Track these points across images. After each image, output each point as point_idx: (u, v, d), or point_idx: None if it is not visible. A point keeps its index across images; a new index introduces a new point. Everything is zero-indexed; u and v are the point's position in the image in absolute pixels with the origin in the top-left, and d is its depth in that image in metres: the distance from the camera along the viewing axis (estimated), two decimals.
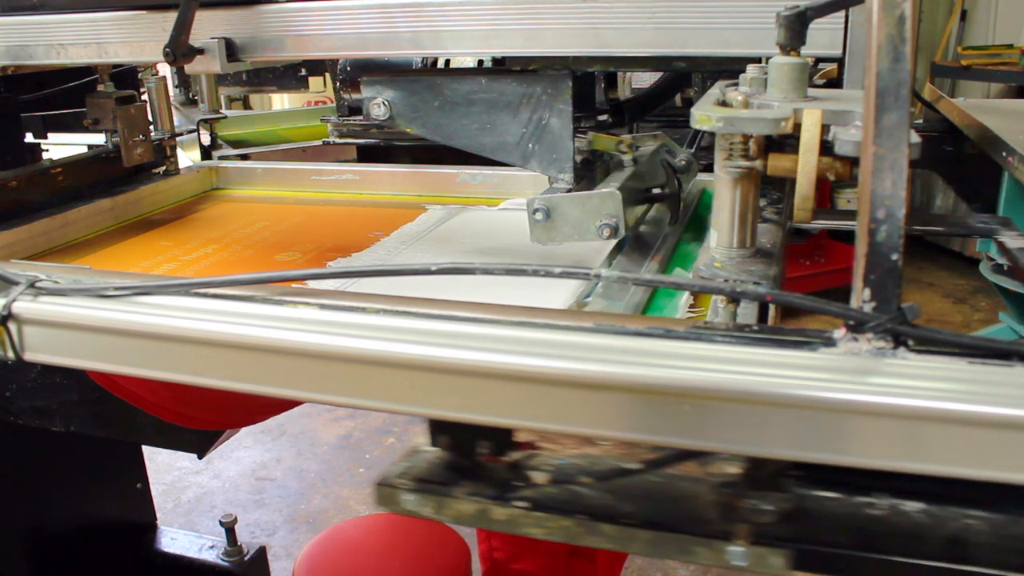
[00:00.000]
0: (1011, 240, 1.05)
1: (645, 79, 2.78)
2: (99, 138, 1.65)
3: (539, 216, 1.05)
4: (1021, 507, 0.65)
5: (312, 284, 0.97)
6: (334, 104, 2.93)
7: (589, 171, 1.14)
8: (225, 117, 3.13)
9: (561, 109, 1.07)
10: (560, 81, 1.06)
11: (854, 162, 0.67)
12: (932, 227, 1.16)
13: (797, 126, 0.70)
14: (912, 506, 0.67)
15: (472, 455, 0.78)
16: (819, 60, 1.02)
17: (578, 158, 1.12)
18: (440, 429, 0.79)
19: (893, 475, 0.62)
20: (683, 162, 1.21)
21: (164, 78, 1.77)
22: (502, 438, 0.78)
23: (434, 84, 1.10)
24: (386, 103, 1.12)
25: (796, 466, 0.69)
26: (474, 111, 1.10)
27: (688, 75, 1.44)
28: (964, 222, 1.19)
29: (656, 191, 1.15)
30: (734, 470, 0.73)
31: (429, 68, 1.32)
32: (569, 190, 1.09)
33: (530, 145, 1.09)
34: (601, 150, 1.20)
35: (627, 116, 1.37)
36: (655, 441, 0.67)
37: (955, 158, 1.36)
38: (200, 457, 1.17)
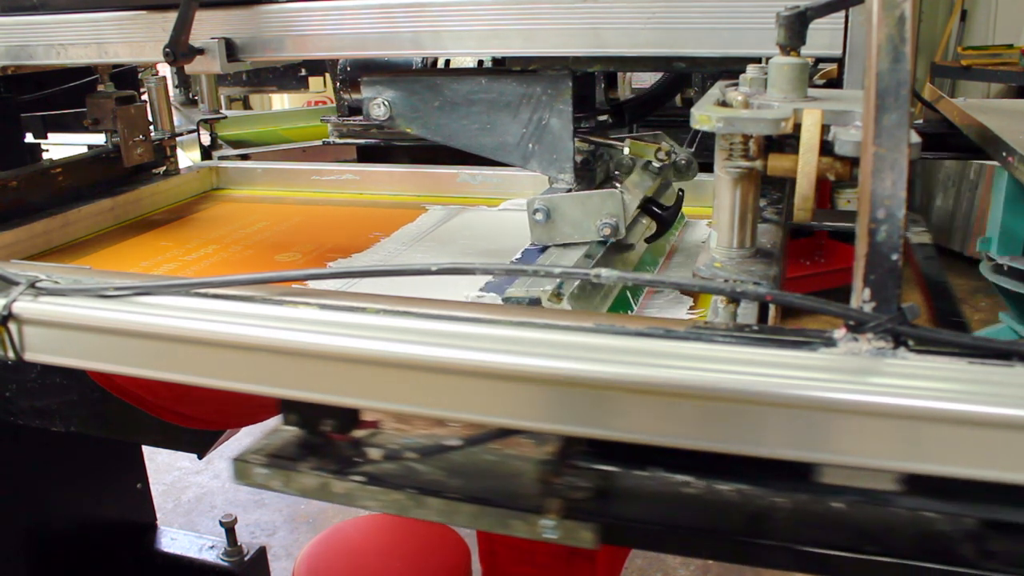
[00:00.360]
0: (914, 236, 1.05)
1: (645, 79, 2.78)
2: (99, 138, 1.65)
3: (539, 216, 1.05)
4: (821, 489, 0.70)
5: (312, 284, 0.97)
6: (334, 104, 2.93)
7: (589, 171, 1.14)
8: (225, 117, 3.14)
9: (561, 109, 1.07)
10: (560, 81, 1.06)
11: (854, 162, 0.67)
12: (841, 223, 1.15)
13: (797, 126, 0.70)
14: (726, 486, 0.72)
15: (317, 432, 0.85)
16: (819, 60, 1.02)
17: (578, 158, 1.12)
18: (290, 408, 0.85)
19: (709, 457, 0.66)
20: (683, 161, 1.21)
21: (164, 78, 1.78)
22: (346, 416, 0.84)
23: (434, 84, 1.10)
24: (386, 103, 1.12)
25: (608, 447, 0.73)
26: (474, 111, 1.10)
27: (688, 75, 1.44)
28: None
29: (656, 208, 1.15)
30: (552, 448, 0.78)
31: (429, 68, 1.32)
32: (569, 190, 1.09)
33: (530, 145, 1.09)
34: (601, 151, 1.20)
35: (627, 116, 1.36)
36: (657, 442, 0.67)
37: None
38: (200, 457, 1.17)
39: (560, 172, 1.09)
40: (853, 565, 0.66)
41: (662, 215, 1.15)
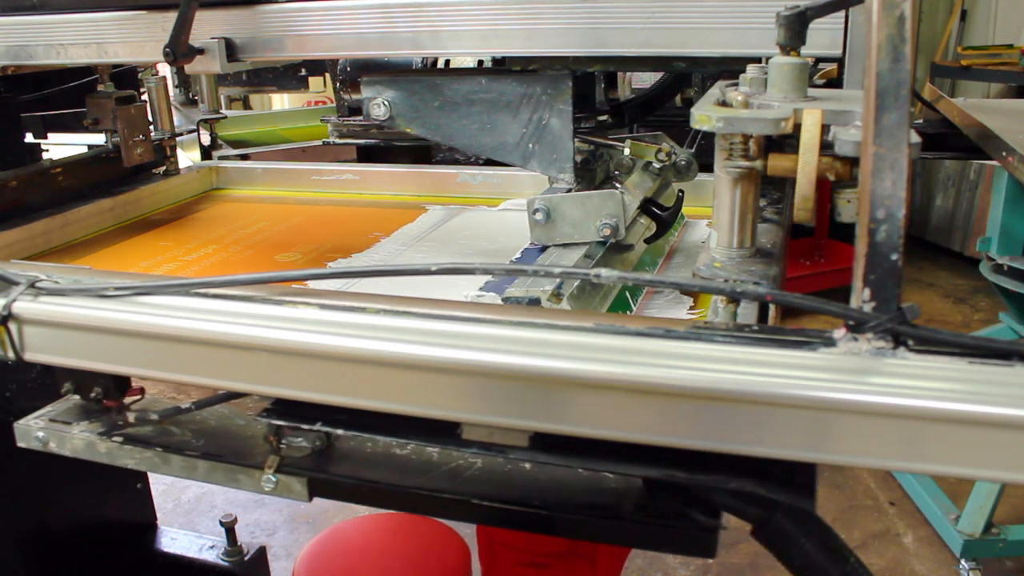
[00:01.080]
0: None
1: (645, 79, 2.79)
2: (99, 138, 1.64)
3: (539, 216, 1.05)
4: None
5: (312, 284, 0.97)
6: (334, 104, 2.93)
7: (589, 171, 1.14)
8: (225, 117, 3.14)
9: (561, 109, 1.07)
10: (560, 81, 1.06)
11: (854, 162, 0.67)
12: None
13: (797, 126, 0.70)
14: (433, 450, 0.87)
15: (89, 398, 0.97)
16: (819, 60, 1.02)
17: (578, 158, 1.12)
18: (64, 376, 0.96)
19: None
20: (683, 162, 1.21)
21: (164, 78, 1.77)
22: (116, 384, 0.97)
23: (434, 84, 1.10)
24: (386, 103, 1.12)
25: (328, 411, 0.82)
26: (474, 111, 1.10)
27: (688, 75, 1.44)
28: None
29: (657, 207, 1.15)
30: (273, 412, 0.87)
31: (429, 68, 1.32)
32: (569, 190, 1.09)
33: (530, 145, 1.09)
34: (601, 151, 1.20)
35: (627, 116, 1.36)
36: (656, 442, 0.67)
37: None
38: None
39: (560, 172, 1.09)
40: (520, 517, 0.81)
41: (662, 216, 1.16)
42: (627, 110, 1.36)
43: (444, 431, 0.79)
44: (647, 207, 1.15)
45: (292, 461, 0.87)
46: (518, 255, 1.17)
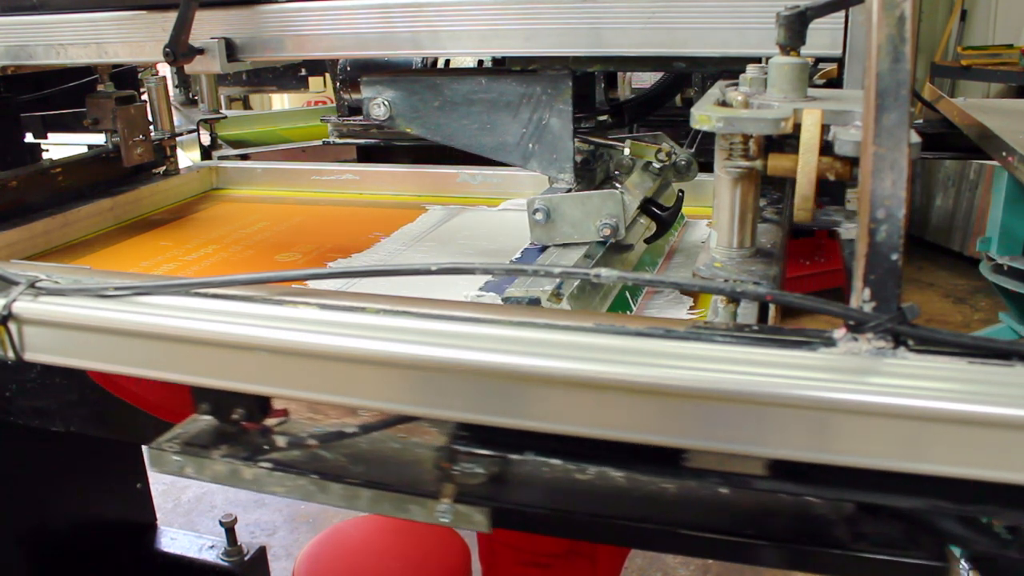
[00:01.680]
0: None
1: (645, 79, 2.79)
2: (99, 138, 1.64)
3: (539, 216, 1.05)
4: (711, 477, 0.72)
5: (312, 284, 0.97)
6: (334, 104, 2.93)
7: (589, 171, 1.14)
8: (225, 117, 3.14)
9: (561, 109, 1.07)
10: (560, 81, 1.06)
11: (854, 162, 0.67)
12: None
13: (797, 126, 0.70)
14: (619, 473, 0.75)
15: (228, 421, 0.87)
16: (819, 60, 1.02)
17: (578, 158, 1.12)
18: (202, 397, 0.87)
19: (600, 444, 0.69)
20: (683, 162, 1.21)
21: (164, 78, 1.77)
22: (257, 405, 0.86)
23: (434, 84, 1.10)
24: (386, 103, 1.12)
25: (501, 433, 0.75)
26: (474, 111, 1.10)
27: (688, 75, 1.44)
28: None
29: (657, 207, 1.15)
30: (446, 436, 0.81)
31: (429, 68, 1.32)
32: (569, 190, 1.09)
33: (530, 145, 1.09)
34: (601, 151, 1.20)
35: (627, 116, 1.36)
36: (655, 441, 0.67)
37: None
38: None
39: (560, 172, 1.09)
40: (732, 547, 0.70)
41: (662, 216, 1.16)
42: (627, 110, 1.36)
43: (661, 457, 0.72)
44: (647, 207, 1.15)
45: (468, 489, 0.76)
46: (518, 255, 1.17)
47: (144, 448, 0.87)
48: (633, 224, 1.12)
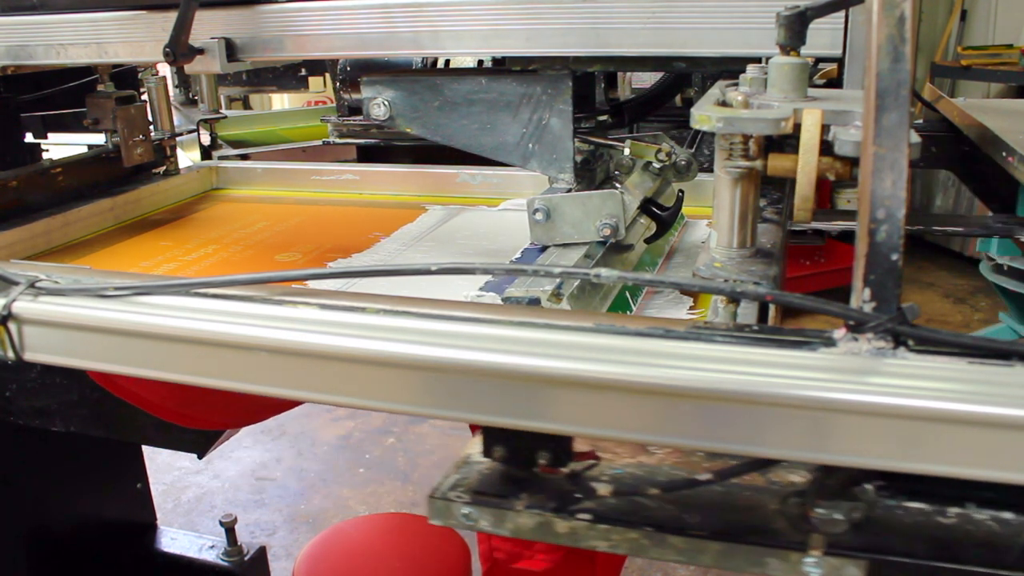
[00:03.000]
0: None
1: (645, 79, 2.79)
2: (99, 138, 1.64)
3: (539, 216, 1.05)
4: None
5: (312, 284, 0.97)
6: (334, 104, 2.93)
7: (589, 171, 1.14)
8: (225, 117, 3.14)
9: (561, 109, 1.07)
10: (560, 81, 1.06)
11: (854, 162, 0.67)
12: (951, 227, 1.15)
13: (797, 126, 0.70)
14: (983, 515, 0.66)
15: (530, 465, 0.76)
16: (819, 60, 1.02)
17: (578, 158, 1.12)
18: (496, 439, 0.76)
19: (963, 483, 0.61)
20: (683, 162, 1.21)
21: (164, 78, 1.77)
22: (560, 448, 0.75)
23: (434, 84, 1.10)
24: (386, 103, 1.12)
25: (866, 475, 0.68)
26: (474, 111, 1.10)
27: (688, 75, 1.44)
28: (984, 223, 1.18)
29: (657, 207, 1.15)
30: (798, 479, 0.72)
31: (429, 68, 1.32)
32: (569, 190, 1.09)
33: (530, 145, 1.09)
34: (601, 151, 1.20)
35: (627, 117, 1.36)
36: (654, 441, 0.67)
37: (972, 158, 1.35)
38: (200, 457, 1.17)
39: (560, 172, 1.09)
40: None
41: (662, 216, 1.16)
42: (627, 110, 1.36)
43: None
44: (647, 207, 1.15)
45: (834, 539, 0.67)
46: (518, 255, 1.17)
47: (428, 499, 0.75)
48: (633, 224, 1.12)
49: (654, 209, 1.15)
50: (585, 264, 1.02)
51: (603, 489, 0.74)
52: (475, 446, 0.79)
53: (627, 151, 1.20)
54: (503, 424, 0.73)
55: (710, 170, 0.84)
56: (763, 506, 0.71)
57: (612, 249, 1.08)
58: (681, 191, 1.21)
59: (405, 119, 1.12)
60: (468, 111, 1.10)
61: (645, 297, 1.07)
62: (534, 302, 0.88)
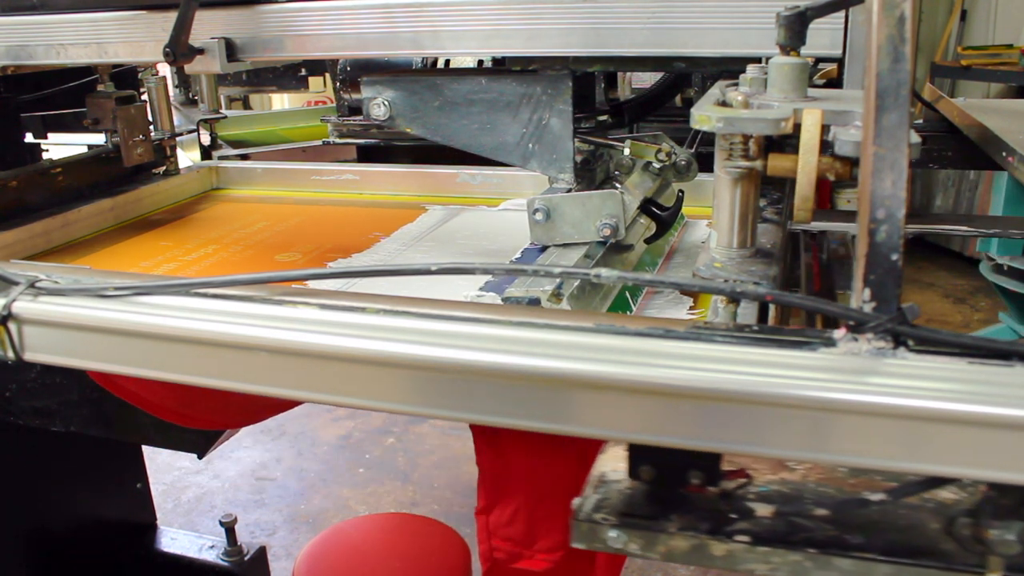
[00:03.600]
0: None
1: (645, 79, 2.79)
2: (99, 138, 1.64)
3: (539, 216, 1.05)
4: None
5: (312, 284, 0.97)
6: (334, 104, 2.93)
7: (589, 171, 1.14)
8: (225, 117, 3.13)
9: (561, 109, 1.07)
10: (560, 81, 1.06)
11: (854, 162, 0.67)
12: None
13: (797, 126, 0.70)
14: None
15: (680, 485, 0.73)
16: (819, 60, 1.02)
17: (578, 158, 1.12)
18: (645, 457, 0.73)
19: None
20: (683, 162, 1.21)
21: (164, 78, 1.77)
22: (711, 466, 0.72)
23: (434, 84, 1.10)
24: (386, 103, 1.12)
25: None
26: (474, 111, 1.10)
27: (688, 75, 1.44)
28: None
29: (657, 207, 1.15)
30: (951, 496, 0.70)
31: (429, 68, 1.32)
32: (569, 190, 1.09)
33: (530, 145, 1.09)
34: (601, 151, 1.20)
35: (627, 117, 1.36)
36: (656, 442, 0.67)
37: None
38: (200, 457, 1.17)
39: (560, 172, 1.09)
40: None
41: (662, 216, 1.16)
42: (627, 110, 1.36)
43: None
44: (647, 207, 1.15)
45: (1011, 561, 0.64)
46: (518, 255, 1.17)
47: (571, 522, 0.71)
48: (633, 224, 1.12)
49: (654, 209, 1.15)
50: (585, 264, 1.02)
51: (762, 509, 0.71)
52: (608, 463, 0.76)
53: (627, 151, 1.20)
54: (508, 424, 0.72)
55: (709, 167, 0.84)
56: (925, 525, 0.68)
57: (612, 249, 1.08)
58: (681, 191, 1.22)
59: (405, 119, 1.12)
60: (468, 111, 1.10)
61: (645, 297, 1.07)
62: (534, 302, 0.88)
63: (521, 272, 0.87)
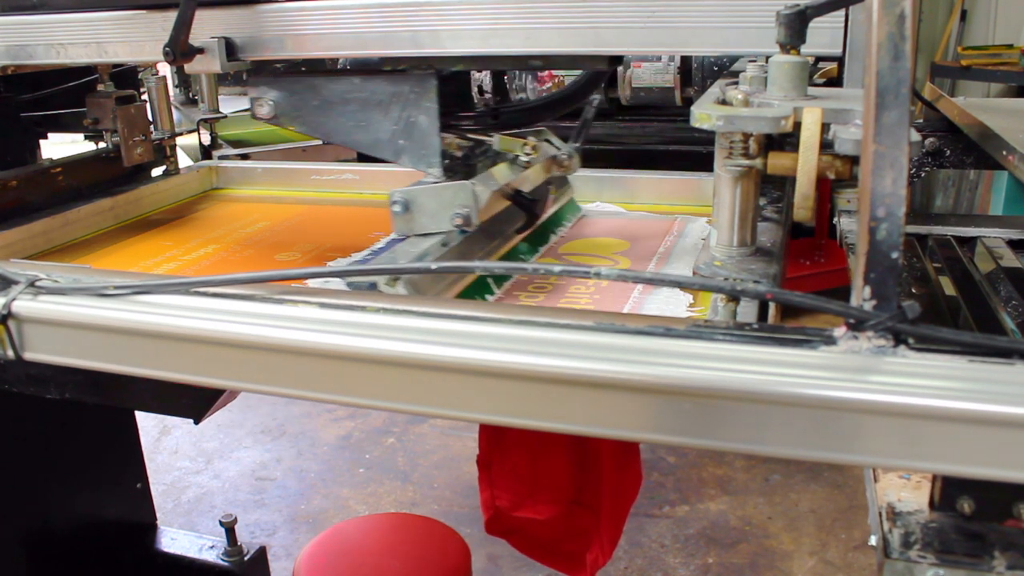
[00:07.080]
0: None
1: (645, 79, 2.79)
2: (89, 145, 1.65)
3: (398, 208, 1.08)
4: None
5: (312, 283, 0.97)
6: None
7: (467, 166, 1.17)
8: (225, 117, 3.13)
9: (428, 107, 1.10)
10: (426, 80, 1.10)
11: (854, 160, 0.67)
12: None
13: (797, 124, 0.70)
14: None
15: (1002, 519, 0.67)
16: (819, 59, 1.02)
17: (457, 153, 1.17)
18: (962, 489, 0.67)
19: None
20: (565, 155, 1.29)
21: (164, 78, 1.77)
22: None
23: (313, 84, 1.14)
24: (271, 102, 1.15)
25: None
26: (349, 110, 1.13)
27: (586, 94, 1.45)
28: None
29: (523, 197, 1.19)
30: None
31: (309, 69, 1.35)
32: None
33: (400, 141, 1.13)
34: (487, 147, 1.25)
35: (505, 118, 1.40)
36: (656, 440, 0.67)
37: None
38: (197, 422, 1.16)
39: (428, 166, 1.13)
40: None
41: (527, 204, 1.20)
42: (504, 115, 1.41)
43: None
44: (515, 197, 1.19)
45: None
46: (381, 244, 1.24)
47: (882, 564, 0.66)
48: (504, 214, 1.16)
49: (521, 199, 1.19)
50: (440, 250, 1.04)
51: None
52: (891, 493, 0.72)
53: (496, 145, 1.25)
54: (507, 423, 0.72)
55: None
56: None
57: (480, 237, 1.11)
58: (549, 184, 1.28)
59: (288, 117, 1.16)
60: (344, 109, 1.13)
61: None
62: (372, 287, 0.90)
63: (519, 270, 0.88)
